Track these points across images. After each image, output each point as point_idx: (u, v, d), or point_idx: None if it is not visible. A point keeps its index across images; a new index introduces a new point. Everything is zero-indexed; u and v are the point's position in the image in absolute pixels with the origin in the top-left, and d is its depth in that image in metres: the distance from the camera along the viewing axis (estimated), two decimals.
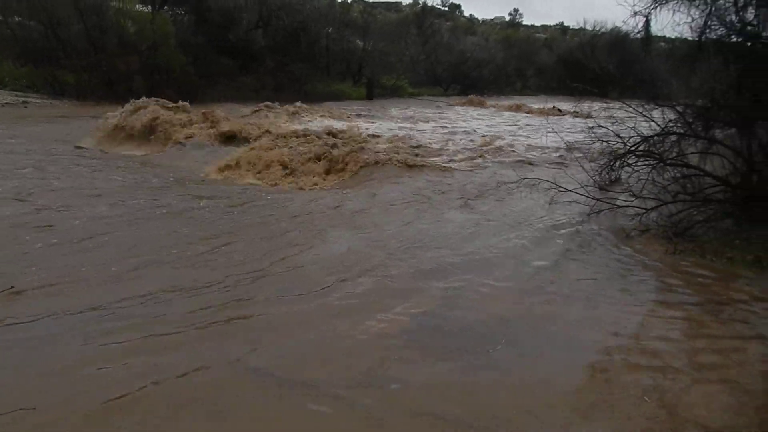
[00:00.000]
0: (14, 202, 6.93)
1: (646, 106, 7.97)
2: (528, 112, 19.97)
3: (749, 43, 7.32)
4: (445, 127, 16.14)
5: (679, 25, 7.69)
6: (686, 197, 7.03)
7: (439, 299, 4.64)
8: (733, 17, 7.21)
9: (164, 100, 13.29)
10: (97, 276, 4.74)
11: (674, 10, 7.75)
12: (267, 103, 16.23)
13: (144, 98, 13.30)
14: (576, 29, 38.65)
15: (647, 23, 7.53)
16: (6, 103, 17.25)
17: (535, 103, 23.05)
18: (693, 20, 7.46)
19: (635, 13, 7.66)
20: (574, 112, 15.40)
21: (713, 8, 7.15)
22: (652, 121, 7.67)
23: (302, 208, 7.40)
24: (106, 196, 7.52)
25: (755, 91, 7.17)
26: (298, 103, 16.79)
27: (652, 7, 8.07)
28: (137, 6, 22.56)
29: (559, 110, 19.53)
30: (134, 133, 11.99)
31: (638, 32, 7.83)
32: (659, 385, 3.48)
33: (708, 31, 7.30)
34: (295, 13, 23.74)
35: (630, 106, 7.95)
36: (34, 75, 19.72)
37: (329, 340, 3.88)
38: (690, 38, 7.81)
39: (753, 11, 7.10)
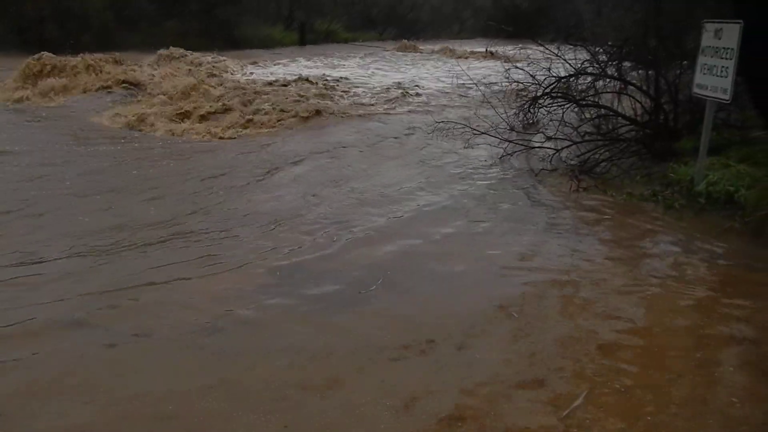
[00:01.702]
0: None
1: (562, 48, 8.04)
2: (459, 57, 19.82)
3: None
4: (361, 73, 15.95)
5: None
6: (595, 137, 7.20)
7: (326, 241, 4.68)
8: None
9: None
10: None
11: None
12: (172, 49, 15.47)
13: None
14: None
15: None
16: None
17: (469, 46, 22.89)
18: None
19: None
20: (509, 56, 15.37)
21: None
22: (567, 63, 7.73)
23: None
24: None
25: (661, 32, 7.30)
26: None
27: None
28: None
29: (491, 53, 19.43)
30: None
31: None
32: (526, 303, 3.68)
33: None
34: None
35: (546, 48, 8.00)
36: None
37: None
38: None
39: None
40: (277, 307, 3.65)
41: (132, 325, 3.38)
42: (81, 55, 12.68)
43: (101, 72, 12.06)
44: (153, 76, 12.06)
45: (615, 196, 5.82)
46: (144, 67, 13.03)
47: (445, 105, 10.80)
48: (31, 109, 10.24)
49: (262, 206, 5.57)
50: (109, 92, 11.19)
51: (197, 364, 3.04)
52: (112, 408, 2.66)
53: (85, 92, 11.15)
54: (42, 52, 12.44)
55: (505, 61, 9.05)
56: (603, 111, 7.45)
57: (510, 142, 7.20)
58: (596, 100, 7.64)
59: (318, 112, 9.59)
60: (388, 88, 12.37)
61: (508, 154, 7.12)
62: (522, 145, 7.28)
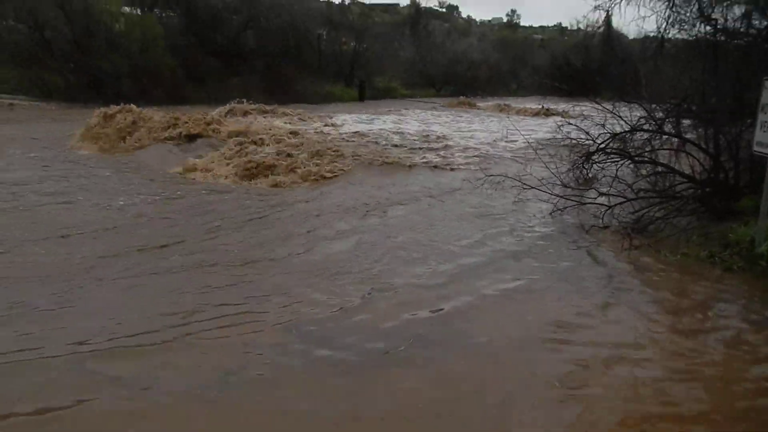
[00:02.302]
0: None
1: (617, 104, 7.93)
2: (516, 113, 19.88)
3: (712, 37, 7.23)
4: (418, 127, 16.14)
5: (642, 19, 7.58)
6: (650, 195, 6.99)
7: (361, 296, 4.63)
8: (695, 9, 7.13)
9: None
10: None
11: (638, 5, 7.69)
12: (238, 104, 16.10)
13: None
14: (573, 29, 38.61)
15: (608, 18, 7.45)
16: None
17: (526, 103, 22.99)
18: (655, 13, 7.37)
19: (596, 8, 7.59)
20: (562, 112, 15.35)
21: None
22: (622, 119, 7.61)
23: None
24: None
25: (720, 89, 7.12)
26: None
27: (616, 1, 8.00)
28: (126, 8, 22.58)
29: (547, 110, 19.44)
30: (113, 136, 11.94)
31: (599, 27, 7.75)
32: (576, 381, 3.46)
33: (671, 24, 7.21)
34: (284, 13, 23.70)
35: (600, 105, 7.92)
36: (21, 77, 19.71)
37: None
38: (653, 35, 7.72)
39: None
40: (296, 366, 3.58)
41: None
42: (150, 108, 13.32)
43: (175, 125, 12.50)
44: (218, 128, 12.42)
45: (668, 257, 5.59)
46: (215, 117, 13.50)
47: (496, 159, 10.79)
48: (104, 158, 10.75)
49: (310, 256, 5.60)
50: (178, 144, 11.62)
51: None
52: None
53: (154, 142, 11.60)
54: (116, 105, 13.21)
55: (560, 119, 8.98)
56: (660, 168, 7.26)
57: (561, 197, 7.07)
58: (653, 157, 7.47)
59: (369, 164, 9.74)
60: (441, 142, 12.47)
61: (559, 210, 6.98)
62: (573, 200, 7.13)
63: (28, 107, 17.80)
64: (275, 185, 8.84)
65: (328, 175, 9.27)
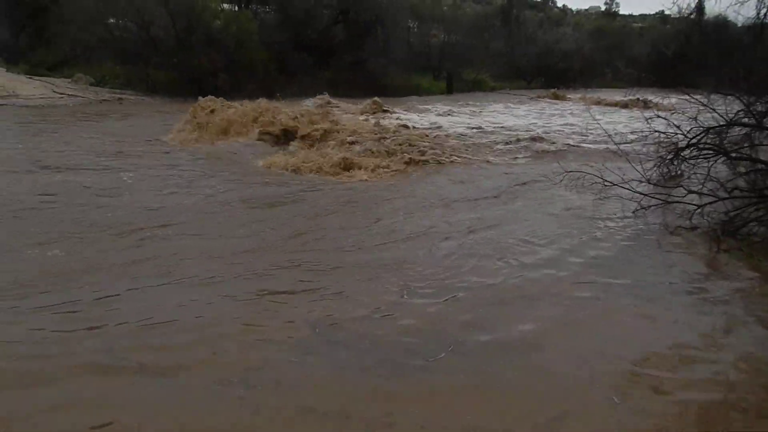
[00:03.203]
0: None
1: (712, 97, 7.46)
2: (607, 105, 19.08)
3: None
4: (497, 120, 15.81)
5: (740, 4, 7.05)
6: (747, 194, 6.53)
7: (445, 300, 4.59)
8: None
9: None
10: None
11: None
12: (323, 97, 16.43)
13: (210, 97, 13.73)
14: (677, 17, 36.37)
15: (700, 3, 7.00)
16: (104, 100, 18.57)
17: (618, 95, 22.00)
18: None
19: None
20: (654, 104, 14.58)
21: None
22: (716, 112, 7.17)
23: None
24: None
25: None
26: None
27: None
28: (224, 5, 23.59)
29: (644, 102, 18.53)
30: (205, 129, 12.55)
31: (690, 14, 7.30)
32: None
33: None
34: (372, 7, 23.92)
35: (692, 97, 7.48)
36: (129, 73, 21.07)
37: None
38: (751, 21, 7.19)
39: None
40: (324, 365, 3.56)
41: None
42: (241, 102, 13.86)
43: (266, 118, 12.95)
44: (303, 121, 12.74)
45: (762, 261, 5.23)
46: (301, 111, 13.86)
47: (578, 154, 10.45)
48: (197, 150, 11.33)
49: (378, 253, 5.64)
50: (266, 137, 12.07)
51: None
52: None
53: (244, 136, 12.10)
54: (210, 96, 13.88)
55: (649, 112, 8.54)
56: (760, 165, 6.78)
57: (645, 195, 6.76)
58: (752, 153, 6.99)
59: (447, 158, 9.69)
60: (522, 135, 12.23)
61: (643, 208, 6.67)
62: (659, 198, 6.80)
63: (135, 101, 19.01)
64: (351, 178, 8.98)
65: (407, 169, 9.30)
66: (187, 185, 8.12)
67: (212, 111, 12.97)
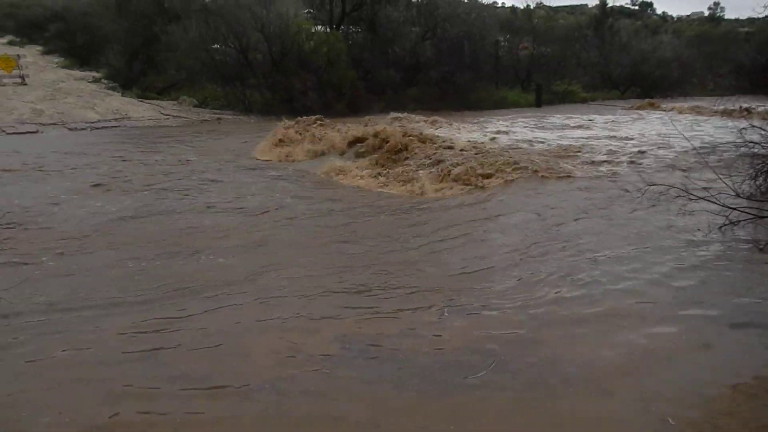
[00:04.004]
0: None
1: None
2: (702, 114, 18.18)
3: None
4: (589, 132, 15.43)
5: None
6: None
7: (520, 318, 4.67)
8: None
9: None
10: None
11: None
12: (396, 114, 16.81)
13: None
14: None
15: None
16: (204, 120, 19.83)
17: (718, 104, 20.87)
18: None
19: None
20: (754, 113, 13.79)
21: None
22: None
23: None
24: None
25: None
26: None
27: None
28: (317, 27, 24.55)
29: (747, 111, 17.54)
30: (297, 146, 13.20)
31: None
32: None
33: None
34: (460, 23, 24.11)
35: None
36: (228, 94, 22.37)
37: None
38: None
39: None
40: (354, 378, 3.69)
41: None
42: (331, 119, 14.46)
43: (347, 134, 13.54)
44: (383, 136, 13.11)
45: None
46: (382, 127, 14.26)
47: (664, 166, 10.09)
48: (282, 165, 11.96)
49: (431, 266, 5.79)
50: (346, 151, 12.59)
51: None
52: None
53: (324, 151, 12.65)
54: (301, 117, 14.65)
55: (749, 121, 8.18)
56: None
57: (735, 209, 6.49)
58: None
59: (531, 171, 9.68)
60: (608, 147, 11.96)
61: (732, 223, 6.41)
62: (750, 213, 6.51)
63: (232, 120, 20.15)
64: (421, 193, 9.20)
65: (487, 184, 9.37)
66: (266, 200, 8.66)
67: (300, 129, 13.64)
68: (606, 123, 17.17)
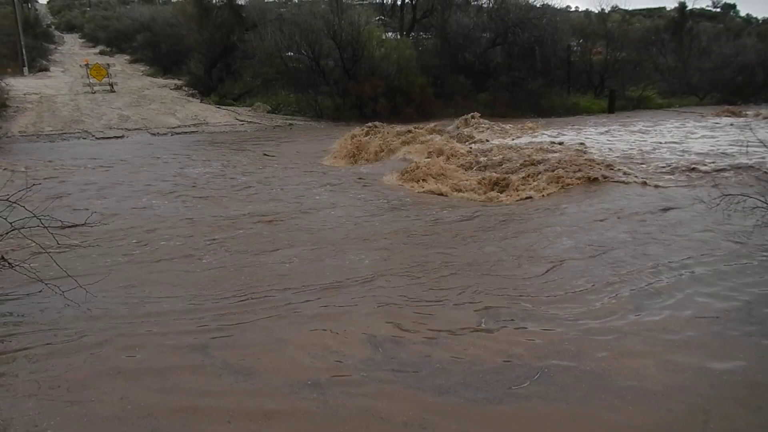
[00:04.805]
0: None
1: None
2: None
3: None
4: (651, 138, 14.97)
5: None
6: None
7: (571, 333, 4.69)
8: None
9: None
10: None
11: None
12: (465, 117, 16.86)
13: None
14: None
15: None
16: (277, 126, 20.50)
17: None
18: None
19: None
20: None
21: None
22: None
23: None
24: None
25: None
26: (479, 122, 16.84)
27: None
28: (388, 34, 24.92)
29: None
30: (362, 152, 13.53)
31: None
32: None
33: None
34: (532, 28, 23.88)
35: None
36: (300, 101, 23.02)
37: None
38: None
39: None
40: (399, 383, 3.81)
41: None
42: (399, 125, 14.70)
43: (416, 140, 13.77)
44: (445, 141, 13.28)
45: None
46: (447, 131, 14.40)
47: (742, 175, 9.73)
48: (347, 170, 12.30)
49: (482, 273, 5.88)
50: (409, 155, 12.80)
51: None
52: None
53: (391, 156, 12.90)
54: (373, 122, 15.02)
55: None
56: None
57: None
58: None
59: (594, 179, 9.61)
60: (681, 155, 11.63)
61: None
62: None
63: (303, 126, 20.74)
64: (489, 201, 9.27)
65: (555, 191, 9.35)
66: (332, 203, 8.98)
67: (368, 134, 13.95)
68: (682, 130, 16.63)
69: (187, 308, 5.21)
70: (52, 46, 42.05)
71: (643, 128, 17.18)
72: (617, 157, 11.85)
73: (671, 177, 10.01)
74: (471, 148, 12.37)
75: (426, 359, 4.24)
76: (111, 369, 4.24)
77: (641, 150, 12.75)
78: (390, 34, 26.07)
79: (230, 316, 5.01)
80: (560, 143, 13.06)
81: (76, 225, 5.89)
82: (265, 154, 13.88)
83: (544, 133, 14.97)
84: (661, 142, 14.01)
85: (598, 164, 10.57)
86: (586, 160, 10.79)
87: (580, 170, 10.00)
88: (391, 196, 9.69)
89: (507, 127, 16.32)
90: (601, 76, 26.71)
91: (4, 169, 11.52)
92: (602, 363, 4.13)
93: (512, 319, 4.80)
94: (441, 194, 9.76)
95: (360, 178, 11.18)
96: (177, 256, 6.64)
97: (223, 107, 22.96)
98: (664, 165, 10.86)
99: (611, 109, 24.44)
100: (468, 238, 7.13)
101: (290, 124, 20.82)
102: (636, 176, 9.96)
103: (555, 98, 23.86)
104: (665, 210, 8.00)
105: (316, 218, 8.21)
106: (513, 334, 4.59)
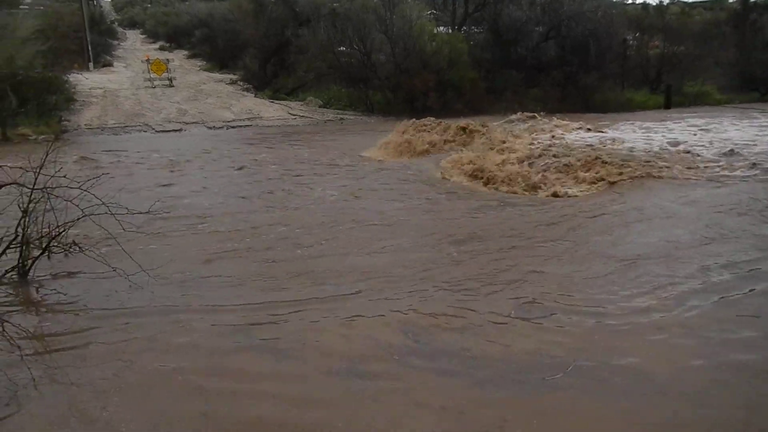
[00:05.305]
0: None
1: None
2: None
3: None
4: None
5: None
6: None
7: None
8: None
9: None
10: None
11: None
12: (518, 114, 16.63)
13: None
14: None
15: None
16: (328, 120, 20.86)
17: None
18: None
19: None
20: None
21: None
22: None
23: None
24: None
25: None
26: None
27: None
28: (439, 28, 24.95)
29: None
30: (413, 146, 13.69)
31: None
32: None
33: None
34: (586, 21, 23.47)
35: None
36: (352, 96, 23.34)
37: None
38: None
39: None
40: (434, 371, 3.94)
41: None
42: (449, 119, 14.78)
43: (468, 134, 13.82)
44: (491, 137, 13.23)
45: None
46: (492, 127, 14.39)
47: None
48: (400, 164, 12.49)
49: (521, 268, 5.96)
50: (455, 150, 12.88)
51: None
52: None
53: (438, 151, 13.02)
54: (423, 117, 15.13)
55: None
56: None
57: None
58: None
59: (657, 176, 9.55)
60: (744, 152, 11.33)
61: None
62: None
63: (354, 121, 21.02)
64: (531, 193, 9.32)
65: (613, 187, 9.34)
66: (380, 195, 9.23)
67: (417, 129, 14.10)
68: (743, 127, 16.13)
69: (238, 294, 5.55)
70: (115, 42, 43.72)
71: (706, 124, 16.72)
72: (679, 152, 11.62)
73: (731, 174, 9.79)
74: (531, 142, 12.32)
75: (461, 348, 4.41)
76: (165, 345, 4.62)
77: (707, 145, 12.44)
78: (441, 28, 26.05)
79: (277, 303, 5.31)
80: (620, 139, 12.90)
81: (141, 213, 6.29)
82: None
83: (601, 130, 14.76)
84: (720, 139, 13.64)
85: (660, 160, 10.45)
86: (647, 155, 10.68)
87: (641, 166, 9.94)
88: (442, 188, 9.86)
89: (564, 123, 16.12)
90: (657, 70, 26.03)
91: (75, 160, 12.21)
92: (642, 359, 4.20)
93: (546, 313, 4.92)
94: (495, 189, 9.86)
95: (411, 172, 11.39)
96: (234, 245, 7.00)
97: (276, 102, 23.49)
98: (726, 161, 10.60)
99: (668, 105, 23.82)
100: (520, 232, 7.25)
101: (341, 119, 21.15)
102: (701, 173, 9.80)
103: (608, 93, 23.40)
104: (718, 209, 7.89)
105: (369, 208, 8.46)
106: (544, 327, 4.72)
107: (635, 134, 14.50)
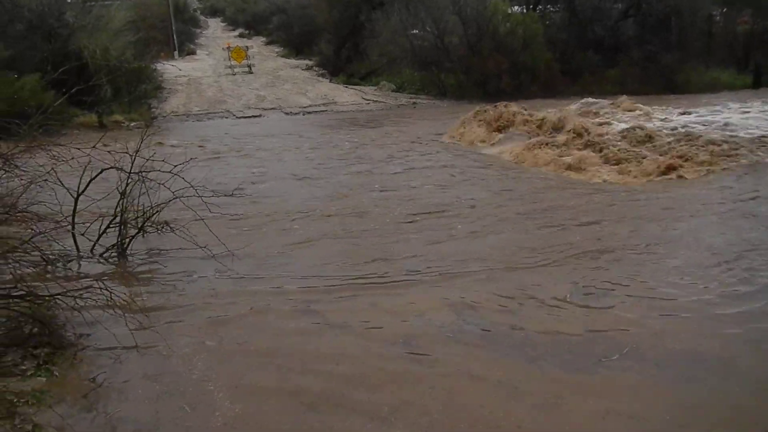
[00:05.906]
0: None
1: None
2: None
3: None
4: None
5: None
6: None
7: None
8: None
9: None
10: None
11: None
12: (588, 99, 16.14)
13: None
14: None
15: None
16: (401, 104, 21.13)
17: None
18: None
19: None
20: None
21: None
22: None
23: None
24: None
25: None
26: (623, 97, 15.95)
27: None
28: (514, 7, 24.58)
29: None
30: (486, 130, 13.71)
31: None
32: None
33: None
34: None
35: None
36: (425, 79, 23.45)
37: None
38: None
39: None
40: (485, 349, 4.12)
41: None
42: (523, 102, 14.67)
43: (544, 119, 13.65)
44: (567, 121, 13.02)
45: None
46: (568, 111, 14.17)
47: None
48: (472, 149, 12.62)
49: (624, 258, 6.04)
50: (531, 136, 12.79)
51: None
52: None
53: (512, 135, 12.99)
54: (496, 100, 15.10)
55: None
56: None
57: None
58: None
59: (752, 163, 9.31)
60: None
61: None
62: None
63: (426, 104, 21.18)
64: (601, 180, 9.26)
65: (688, 174, 9.19)
66: (452, 180, 9.45)
67: (491, 113, 14.10)
68: None
69: (316, 273, 5.98)
70: (197, 31, 45.52)
71: None
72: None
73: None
74: (613, 127, 12.06)
75: (513, 327, 4.62)
76: (242, 320, 5.12)
77: None
78: (516, 8, 25.62)
79: (341, 286, 5.70)
80: (708, 122, 12.48)
81: (226, 195, 6.81)
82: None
83: (688, 111, 14.25)
84: None
85: (750, 145, 10.14)
86: (732, 140, 10.38)
87: (730, 152, 9.71)
88: (524, 174, 9.99)
89: (654, 107, 15.65)
90: (745, 48, 24.65)
91: (165, 146, 13.05)
92: (699, 344, 4.27)
93: (600, 296, 5.07)
94: (574, 173, 9.86)
95: (484, 156, 11.53)
96: (314, 228, 7.47)
97: (350, 87, 23.96)
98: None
99: (757, 85, 22.58)
100: (587, 217, 7.33)
101: (414, 103, 21.34)
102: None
103: (692, 73, 22.40)
104: None
105: (448, 194, 8.73)
106: (599, 310, 4.87)
107: (735, 116, 13.88)
